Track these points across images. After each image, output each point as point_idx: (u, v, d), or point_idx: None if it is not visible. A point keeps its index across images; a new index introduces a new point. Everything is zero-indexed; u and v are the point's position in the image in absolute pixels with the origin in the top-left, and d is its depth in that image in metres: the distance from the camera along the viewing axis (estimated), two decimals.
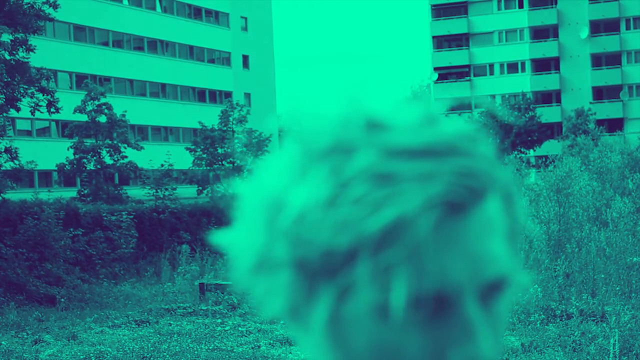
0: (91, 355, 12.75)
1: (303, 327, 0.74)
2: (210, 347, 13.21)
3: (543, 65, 72.53)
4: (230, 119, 39.02)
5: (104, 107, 34.71)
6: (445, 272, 0.68)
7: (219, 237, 0.76)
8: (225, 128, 38.73)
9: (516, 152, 51.90)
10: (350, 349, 0.71)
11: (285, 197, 0.70)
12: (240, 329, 14.87)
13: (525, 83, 70.82)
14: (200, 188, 37.88)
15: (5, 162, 26.88)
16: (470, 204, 0.68)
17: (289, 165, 0.71)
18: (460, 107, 68.16)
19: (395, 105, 0.72)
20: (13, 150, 26.88)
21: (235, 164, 37.63)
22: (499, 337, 0.73)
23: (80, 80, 44.02)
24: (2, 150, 26.69)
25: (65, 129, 36.45)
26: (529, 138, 57.07)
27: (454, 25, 74.58)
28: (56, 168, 36.20)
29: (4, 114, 25.86)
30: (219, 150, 38.08)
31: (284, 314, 0.74)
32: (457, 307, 0.69)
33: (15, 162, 27.04)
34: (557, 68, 72.31)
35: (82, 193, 33.78)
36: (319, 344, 0.73)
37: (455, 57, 74.21)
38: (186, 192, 35.06)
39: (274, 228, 0.71)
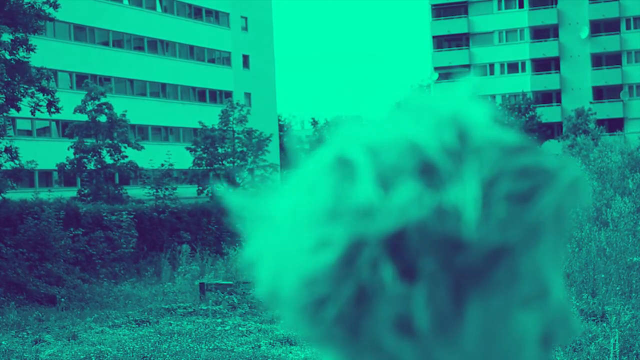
0: (91, 355, 12.75)
1: (448, 339, 0.69)
2: (211, 347, 13.21)
3: (543, 65, 72.51)
4: (231, 118, 39.02)
5: (104, 106, 34.71)
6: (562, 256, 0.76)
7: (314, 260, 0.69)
8: (225, 128, 38.73)
9: None
10: (493, 344, 0.71)
11: (437, 204, 0.67)
12: (240, 328, 14.88)
13: (525, 83, 70.81)
14: (200, 188, 37.88)
15: (5, 162, 26.88)
16: (584, 193, 0.75)
17: (411, 174, 0.68)
18: None
19: (475, 107, 0.74)
20: (13, 150, 26.88)
21: (236, 164, 37.63)
22: None
23: (80, 80, 44.01)
24: (3, 150, 26.69)
25: (66, 129, 36.45)
26: (529, 138, 57.01)
27: (454, 25, 74.57)
28: (56, 168, 36.19)
29: (4, 114, 25.87)
30: (219, 150, 38.09)
31: (425, 328, 0.68)
32: (555, 289, 0.76)
33: (16, 161, 27.04)
34: (558, 68, 72.30)
35: (83, 193, 33.78)
36: (468, 348, 0.70)
37: (455, 57, 74.18)
38: (186, 192, 35.06)
39: (420, 237, 0.67)
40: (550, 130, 63.58)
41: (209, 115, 42.80)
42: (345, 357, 0.71)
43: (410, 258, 0.66)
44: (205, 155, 38.20)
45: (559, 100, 71.94)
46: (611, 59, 71.00)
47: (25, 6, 26.17)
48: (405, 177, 0.67)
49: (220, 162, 38.03)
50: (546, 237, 0.71)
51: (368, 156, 0.69)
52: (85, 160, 34.49)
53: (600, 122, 61.58)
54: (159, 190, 30.77)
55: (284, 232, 0.70)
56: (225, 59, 59.01)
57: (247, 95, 57.85)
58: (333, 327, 0.69)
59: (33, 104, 26.67)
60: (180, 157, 38.07)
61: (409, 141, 0.69)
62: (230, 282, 18.45)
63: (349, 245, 0.67)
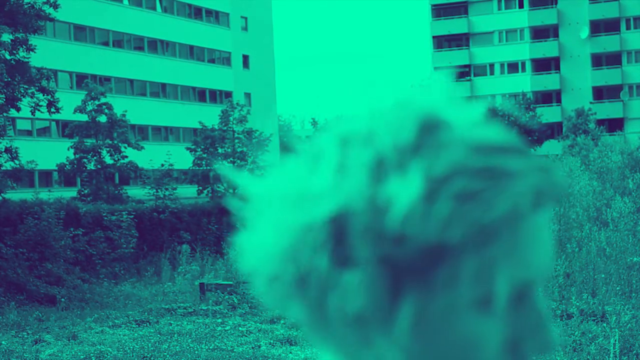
0: (91, 355, 12.75)
1: (382, 327, 0.71)
2: (211, 347, 13.21)
3: (543, 65, 72.52)
4: (231, 118, 39.02)
5: (104, 107, 34.70)
6: (532, 263, 0.72)
7: (240, 239, 0.74)
8: (225, 128, 38.73)
9: None
10: (435, 344, 0.71)
11: (374, 195, 0.69)
12: (240, 328, 14.87)
13: (525, 83, 70.82)
14: (200, 188, 37.88)
15: (5, 162, 26.88)
16: (555, 197, 0.72)
17: (363, 164, 0.70)
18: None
19: (455, 104, 0.74)
20: (13, 150, 26.89)
21: (236, 164, 37.61)
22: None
23: (80, 80, 44.01)
24: (3, 150, 26.70)
25: (66, 129, 36.44)
26: (529, 138, 57.02)
27: (454, 25, 74.58)
28: (56, 168, 36.19)
29: (4, 114, 25.87)
30: (220, 150, 38.09)
31: (357, 316, 0.70)
32: (532, 296, 0.73)
33: (16, 162, 27.04)
34: (558, 68, 72.30)
35: (83, 193, 33.78)
36: (401, 342, 0.71)
37: (455, 57, 74.18)
38: (186, 192, 35.05)
39: (356, 226, 0.68)
40: (550, 130, 63.58)
41: (209, 115, 42.78)
42: (309, 331, 0.75)
43: (348, 246, 0.69)
44: (205, 155, 38.20)
45: (559, 100, 71.94)
46: (611, 59, 71.00)
47: (25, 6, 26.17)
48: (358, 168, 0.69)
49: (221, 162, 38.02)
50: (498, 241, 0.69)
51: (337, 147, 0.72)
52: (85, 160, 34.48)
53: (600, 122, 61.58)
54: (159, 190, 30.77)
55: (262, 213, 0.74)
56: (225, 59, 59.01)
57: (247, 95, 57.85)
58: (285, 303, 0.73)
59: (33, 104, 26.67)
60: (180, 157, 38.07)
61: (371, 134, 0.71)
62: (231, 282, 18.44)
63: (300, 229, 0.70)
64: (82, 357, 12.71)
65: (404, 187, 0.68)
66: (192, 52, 56.65)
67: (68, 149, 34.90)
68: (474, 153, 0.69)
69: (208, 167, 38.13)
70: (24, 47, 25.97)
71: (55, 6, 27.25)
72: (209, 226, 27.42)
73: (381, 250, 0.68)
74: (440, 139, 0.70)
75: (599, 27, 71.37)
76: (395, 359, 0.72)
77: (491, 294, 0.69)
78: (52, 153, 38.11)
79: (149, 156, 34.88)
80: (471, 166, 0.68)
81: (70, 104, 32.78)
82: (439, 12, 75.30)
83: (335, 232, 0.69)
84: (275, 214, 0.72)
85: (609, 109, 69.49)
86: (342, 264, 0.69)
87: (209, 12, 58.00)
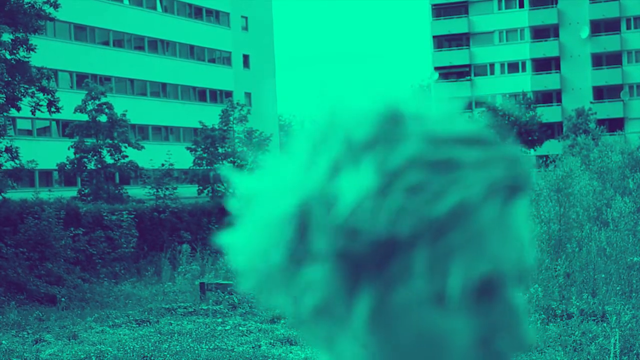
0: (92, 354, 12.75)
1: (340, 322, 0.71)
2: (211, 347, 13.21)
3: (543, 65, 72.51)
4: (231, 118, 39.02)
5: (104, 106, 34.71)
6: (499, 257, 0.69)
7: (228, 237, 0.75)
8: (225, 127, 38.73)
9: None
10: (396, 339, 0.70)
11: (328, 190, 0.69)
12: (240, 328, 14.87)
13: (525, 83, 70.81)
14: (200, 188, 37.88)
15: (5, 162, 26.88)
16: (523, 189, 0.71)
17: (327, 159, 0.71)
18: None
19: (424, 98, 0.74)
20: (14, 150, 26.89)
21: (236, 164, 37.61)
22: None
23: (80, 79, 44.01)
24: (3, 149, 26.70)
25: (66, 129, 36.44)
26: (530, 138, 57.02)
27: (454, 25, 74.57)
28: (57, 167, 36.20)
29: (5, 114, 25.87)
30: (220, 150, 38.08)
31: (319, 311, 0.71)
32: (504, 292, 0.70)
33: (16, 161, 27.04)
34: (558, 68, 72.29)
35: (83, 192, 33.78)
36: (359, 338, 0.71)
37: (455, 57, 74.18)
38: (187, 192, 35.06)
39: (313, 221, 0.69)
40: (550, 130, 63.56)
41: (209, 115, 42.78)
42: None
43: (308, 241, 0.69)
44: (205, 155, 38.19)
45: (559, 100, 71.93)
46: (611, 59, 70.99)
47: (26, 6, 26.17)
48: (320, 163, 0.71)
49: (221, 162, 38.02)
50: (449, 234, 0.67)
51: (307, 143, 0.73)
52: (85, 160, 34.49)
53: (600, 122, 61.55)
54: (159, 190, 30.77)
55: (244, 210, 0.75)
56: (225, 59, 59.01)
57: (248, 95, 57.86)
58: (266, 297, 0.74)
59: (33, 104, 26.67)
60: (181, 157, 38.07)
61: (332, 130, 0.72)
62: (231, 282, 18.44)
63: (266, 225, 0.72)
64: (82, 356, 12.71)
65: (355, 182, 0.68)
66: (193, 52, 56.65)
67: (68, 149, 34.90)
68: (430, 146, 0.68)
69: (208, 167, 38.13)
70: (24, 46, 25.97)
71: (56, 6, 27.25)
72: (209, 226, 27.42)
73: (337, 245, 0.68)
74: (398, 132, 0.69)
75: (599, 27, 71.35)
76: (356, 354, 0.72)
77: (447, 288, 0.68)
78: (52, 153, 38.12)
79: (149, 156, 34.89)
80: (425, 159, 0.68)
81: (70, 103, 32.78)
82: (439, 11, 75.29)
83: (297, 228, 0.70)
84: (253, 211, 0.74)
85: (609, 109, 69.49)
86: (302, 259, 0.70)
87: (209, 11, 58.01)
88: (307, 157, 0.72)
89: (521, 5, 72.71)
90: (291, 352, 12.65)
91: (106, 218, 24.72)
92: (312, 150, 0.72)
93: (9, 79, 24.97)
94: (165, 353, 12.64)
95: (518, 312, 0.71)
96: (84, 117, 34.82)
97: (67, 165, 34.92)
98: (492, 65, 73.47)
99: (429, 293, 0.68)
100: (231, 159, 37.88)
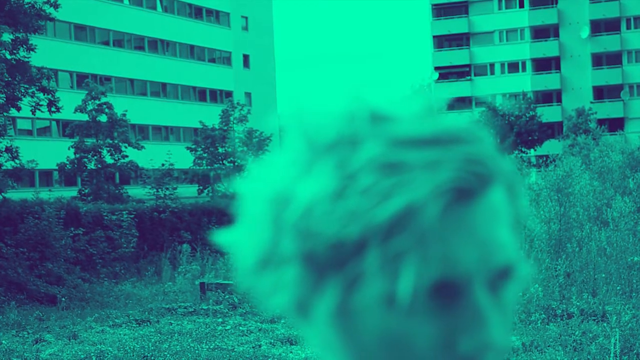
0: (92, 354, 12.75)
1: (309, 321, 0.73)
2: (211, 347, 13.21)
3: (544, 65, 72.50)
4: (231, 118, 39.03)
5: (104, 106, 34.71)
6: (454, 258, 0.68)
7: (221, 236, 0.76)
8: (225, 127, 38.73)
9: (517, 152, 51.90)
10: (359, 340, 0.71)
11: (292, 191, 0.70)
12: (241, 328, 14.87)
13: (525, 83, 70.80)
14: (201, 187, 37.88)
15: (6, 162, 26.88)
16: (478, 190, 0.69)
17: (294, 161, 0.72)
18: (461, 105, 68.18)
19: (397, 99, 0.73)
20: (14, 150, 26.89)
21: (237, 163, 37.62)
22: (508, 325, 0.73)
23: (81, 79, 44.02)
24: (3, 149, 26.70)
25: (66, 129, 36.45)
26: (530, 137, 57.02)
27: (454, 25, 74.57)
28: (57, 167, 36.21)
29: (5, 114, 25.87)
30: (220, 150, 38.08)
31: (290, 309, 0.73)
32: (467, 294, 0.69)
33: (16, 161, 27.04)
34: (558, 68, 72.28)
35: (83, 192, 33.78)
36: (325, 337, 0.73)
37: (455, 57, 74.18)
38: (187, 192, 35.06)
39: (281, 223, 0.70)
40: (550, 130, 63.55)
41: (209, 115, 42.79)
42: None
43: (275, 242, 0.71)
44: (205, 154, 38.19)
45: (559, 100, 71.93)
46: (612, 59, 70.99)
47: (26, 6, 26.17)
48: (289, 165, 0.72)
49: (221, 162, 38.03)
50: (399, 237, 0.67)
51: (287, 144, 0.74)
52: (85, 159, 34.49)
53: (600, 122, 61.55)
54: (159, 190, 30.76)
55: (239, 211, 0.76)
56: (225, 59, 59.01)
57: (248, 95, 57.87)
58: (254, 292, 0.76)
59: (33, 104, 26.67)
60: (181, 156, 38.07)
61: (302, 131, 0.73)
62: (231, 282, 18.44)
63: (249, 225, 0.75)
64: (82, 356, 12.71)
65: (310, 184, 0.69)
66: (193, 52, 56.65)
67: (68, 149, 34.91)
68: (388, 148, 0.68)
69: (208, 167, 38.14)
70: (25, 46, 25.97)
71: (56, 6, 27.25)
72: (210, 226, 27.41)
73: (299, 246, 0.70)
74: (361, 134, 0.69)
75: (599, 27, 71.35)
76: (321, 355, 0.74)
77: (396, 291, 0.68)
78: (52, 152, 38.13)
79: (150, 156, 34.89)
80: (379, 161, 0.68)
81: (70, 103, 32.78)
82: (439, 11, 75.29)
83: (265, 229, 0.72)
84: (240, 211, 0.75)
85: (609, 109, 69.48)
86: (270, 260, 0.72)
87: (209, 11, 58.01)
88: (279, 158, 0.73)
89: (521, 5, 72.69)
90: (291, 352, 12.65)
91: (106, 218, 24.71)
92: (281, 152, 0.74)
93: (9, 79, 24.97)
94: (166, 353, 12.64)
95: (484, 314, 0.69)
96: (84, 117, 34.82)
97: (67, 165, 34.92)
98: (492, 65, 73.46)
99: (384, 295, 0.68)
100: (231, 159, 37.89)
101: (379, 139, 0.69)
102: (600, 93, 71.24)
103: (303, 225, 0.69)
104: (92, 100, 34.75)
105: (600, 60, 71.47)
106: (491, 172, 0.70)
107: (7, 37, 25.53)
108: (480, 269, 0.69)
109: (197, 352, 12.76)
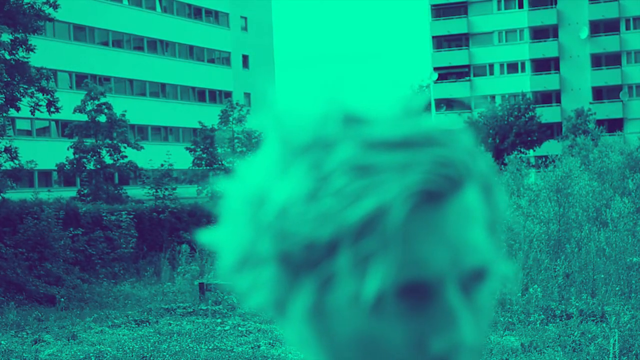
0: (91, 354, 12.75)
1: (286, 319, 0.75)
2: (210, 347, 13.21)
3: (543, 66, 72.51)
4: (230, 118, 39.03)
5: (103, 106, 34.72)
6: (424, 260, 0.68)
7: (204, 236, 0.79)
8: (225, 128, 38.74)
9: (516, 152, 51.89)
10: (333, 339, 0.72)
11: (269, 192, 0.71)
12: (240, 328, 14.87)
13: (525, 83, 70.80)
14: (200, 188, 37.89)
15: (5, 162, 26.88)
16: (448, 192, 0.69)
17: (271, 162, 0.73)
18: (459, 106, 68.18)
19: (374, 100, 0.73)
20: (13, 150, 26.88)
21: (224, 165, 37.64)
22: (482, 326, 0.73)
23: (80, 80, 44.03)
24: (2, 149, 26.69)
25: (65, 129, 36.46)
26: (529, 138, 57.01)
27: (453, 25, 74.56)
28: (56, 168, 36.21)
29: (4, 114, 25.86)
30: (219, 150, 38.09)
31: (267, 308, 0.75)
32: (439, 295, 0.69)
33: (15, 161, 27.04)
34: (557, 68, 72.29)
35: (82, 193, 33.78)
36: (302, 336, 0.74)
37: (455, 57, 74.18)
38: (186, 192, 35.05)
39: (258, 223, 0.72)
40: (550, 131, 63.54)
41: (208, 115, 42.81)
42: None
43: (254, 241, 0.73)
44: (204, 155, 38.20)
45: (558, 101, 71.93)
46: (611, 59, 70.99)
47: (25, 6, 26.17)
48: (267, 166, 0.73)
49: (220, 162, 38.04)
50: (368, 238, 0.68)
51: (266, 146, 0.76)
52: (84, 160, 34.49)
53: (600, 123, 61.53)
54: (158, 190, 30.76)
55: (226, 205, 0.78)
56: (224, 59, 59.02)
57: (247, 95, 57.86)
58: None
59: (33, 104, 26.67)
60: (180, 157, 38.08)
61: (278, 132, 0.74)
62: (224, 281, 18.43)
63: (230, 224, 0.77)
64: (81, 357, 12.71)
65: (284, 185, 0.70)
66: (192, 52, 56.66)
67: (67, 149, 34.91)
68: (362, 150, 0.69)
69: (208, 167, 38.14)
70: (24, 47, 25.97)
71: (55, 6, 27.25)
72: (209, 226, 27.38)
73: (276, 246, 0.71)
74: (337, 136, 0.70)
75: (598, 28, 71.36)
76: (299, 353, 0.75)
77: (365, 291, 0.68)
78: (51, 153, 38.13)
79: (149, 156, 34.89)
80: (352, 163, 0.68)
81: (69, 103, 32.79)
82: (438, 12, 75.28)
83: (244, 229, 0.73)
84: (224, 211, 0.77)
85: (608, 109, 69.48)
86: (248, 260, 0.74)
87: (208, 12, 58.02)
88: (258, 159, 0.75)
89: (520, 6, 72.69)
90: (290, 353, 12.65)
91: (105, 218, 24.71)
92: (260, 153, 0.75)
93: (9, 79, 24.97)
94: (165, 353, 12.64)
95: (456, 314, 0.69)
96: (83, 117, 34.82)
97: (67, 166, 34.92)
98: (491, 65, 73.45)
99: (355, 295, 0.69)
100: (230, 159, 37.88)
101: (352, 141, 0.69)
102: (600, 94, 71.24)
103: (278, 225, 0.70)
104: (92, 101, 34.76)
105: (599, 60, 71.48)
106: (462, 174, 0.70)
107: (6, 37, 25.53)
108: (451, 271, 0.69)
109: (196, 352, 12.76)
